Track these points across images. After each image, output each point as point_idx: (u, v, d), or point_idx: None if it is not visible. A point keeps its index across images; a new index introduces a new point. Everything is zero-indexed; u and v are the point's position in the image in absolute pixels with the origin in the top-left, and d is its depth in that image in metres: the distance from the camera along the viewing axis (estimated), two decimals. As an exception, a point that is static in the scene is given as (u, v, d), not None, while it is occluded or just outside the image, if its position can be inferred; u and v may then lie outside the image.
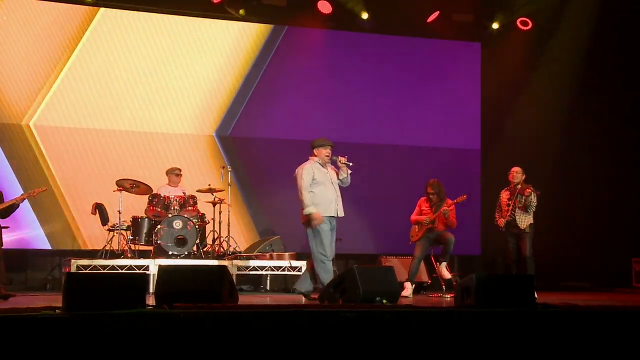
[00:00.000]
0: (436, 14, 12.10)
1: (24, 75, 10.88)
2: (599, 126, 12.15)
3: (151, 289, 7.50)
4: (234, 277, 9.58)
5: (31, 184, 10.36)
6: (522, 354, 5.90)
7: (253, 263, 10.01)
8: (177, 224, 9.75)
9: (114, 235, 9.96)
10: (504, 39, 12.61)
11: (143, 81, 11.39)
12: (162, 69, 11.51)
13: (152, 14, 11.53)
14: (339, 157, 8.45)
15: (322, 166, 8.46)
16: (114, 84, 11.26)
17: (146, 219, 10.05)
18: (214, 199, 10.32)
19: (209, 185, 10.42)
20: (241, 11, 11.58)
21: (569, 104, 12.27)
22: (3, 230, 8.72)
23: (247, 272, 10.01)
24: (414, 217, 9.75)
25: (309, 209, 8.24)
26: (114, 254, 9.81)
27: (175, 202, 10.00)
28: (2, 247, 8.56)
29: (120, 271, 9.10)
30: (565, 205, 12.02)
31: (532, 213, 9.34)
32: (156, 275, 6.18)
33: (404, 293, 9.39)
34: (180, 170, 10.55)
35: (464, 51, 12.88)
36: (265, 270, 10.16)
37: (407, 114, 12.48)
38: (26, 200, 10.15)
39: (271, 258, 10.12)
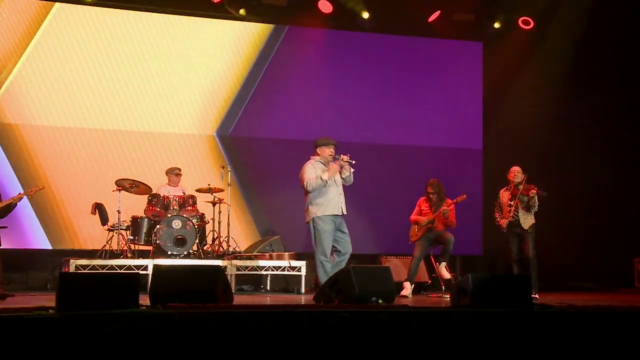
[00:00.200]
0: (437, 13, 12.07)
1: (21, 74, 10.87)
2: (601, 126, 12.11)
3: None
4: (233, 277, 9.64)
5: (31, 183, 10.35)
6: (519, 354, 5.87)
7: (252, 263, 9.99)
8: (177, 224, 9.75)
9: (113, 235, 9.95)
10: (506, 39, 12.57)
11: (143, 81, 11.39)
12: (163, 69, 11.51)
13: (152, 13, 11.52)
14: (342, 155, 8.44)
15: (325, 165, 8.45)
16: (114, 83, 11.26)
17: (146, 219, 10.05)
18: (214, 198, 10.31)
19: (209, 185, 10.41)
20: (241, 11, 11.58)
21: (570, 104, 12.23)
22: (1, 230, 8.73)
23: (246, 272, 9.99)
24: (413, 217, 9.73)
25: (322, 178, 8.27)
26: (113, 254, 9.81)
27: (174, 202, 9.99)
28: (0, 247, 8.54)
29: (118, 271, 9.09)
30: (568, 205, 11.97)
31: (533, 213, 9.30)
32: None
33: (403, 293, 9.39)
34: (179, 170, 10.55)
35: (466, 51, 12.84)
36: (265, 270, 10.15)
37: (408, 114, 12.44)
38: (27, 201, 10.26)
39: (271, 258, 10.10)
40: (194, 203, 10.17)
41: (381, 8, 12.01)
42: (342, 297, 6.55)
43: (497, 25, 12.46)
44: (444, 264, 9.55)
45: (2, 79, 10.80)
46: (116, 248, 9.90)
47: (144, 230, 9.99)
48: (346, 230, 8.50)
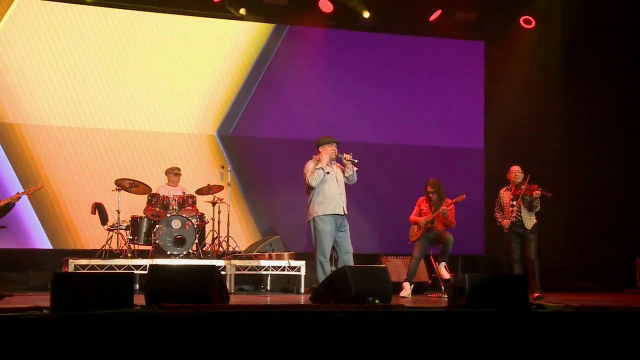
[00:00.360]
0: (438, 12, 12.03)
1: (22, 74, 10.88)
2: (603, 126, 12.05)
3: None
4: (232, 277, 9.63)
5: (31, 183, 10.35)
6: (516, 354, 5.85)
7: (252, 263, 9.98)
8: (176, 224, 9.74)
9: (112, 235, 9.95)
10: (507, 38, 12.53)
11: (144, 81, 11.39)
12: (164, 69, 11.50)
13: (153, 13, 11.52)
14: (344, 154, 8.40)
15: (328, 164, 8.41)
16: (115, 83, 11.26)
17: (145, 219, 10.05)
18: (214, 198, 10.30)
19: (208, 184, 10.40)
20: (241, 10, 11.57)
21: (572, 103, 12.19)
22: (0, 230, 8.75)
23: (245, 272, 9.98)
24: (413, 217, 9.71)
25: (318, 171, 8.24)
26: (112, 254, 9.81)
27: (174, 201, 9.99)
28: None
29: (117, 271, 9.08)
30: (570, 205, 11.90)
31: (535, 213, 9.26)
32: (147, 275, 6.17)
33: (402, 293, 9.38)
34: (179, 169, 10.55)
35: (468, 50, 12.80)
36: (264, 270, 10.13)
37: (410, 113, 12.42)
38: (27, 200, 10.28)
39: (270, 258, 10.09)
40: (194, 203, 10.16)
41: (382, 7, 11.98)
42: (338, 297, 6.52)
43: (499, 24, 12.42)
44: (443, 264, 9.53)
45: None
46: (115, 248, 9.89)
47: (144, 230, 10.00)
48: (347, 229, 8.44)
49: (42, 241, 10.83)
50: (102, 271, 9.10)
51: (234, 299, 8.71)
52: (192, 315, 5.42)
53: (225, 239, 10.33)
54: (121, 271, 8.95)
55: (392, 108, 12.34)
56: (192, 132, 11.56)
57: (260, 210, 11.75)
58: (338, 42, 12.23)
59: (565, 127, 12.25)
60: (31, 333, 4.96)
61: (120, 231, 10.03)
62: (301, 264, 10.01)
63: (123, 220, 10.04)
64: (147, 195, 10.11)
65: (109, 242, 9.92)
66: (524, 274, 8.60)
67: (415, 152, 12.36)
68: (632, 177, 11.93)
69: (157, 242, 9.69)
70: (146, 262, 9.41)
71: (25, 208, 10.58)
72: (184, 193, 10.25)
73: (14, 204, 8.66)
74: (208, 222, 10.38)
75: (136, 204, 10.44)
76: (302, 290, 9.93)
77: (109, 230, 10.03)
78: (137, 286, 9.23)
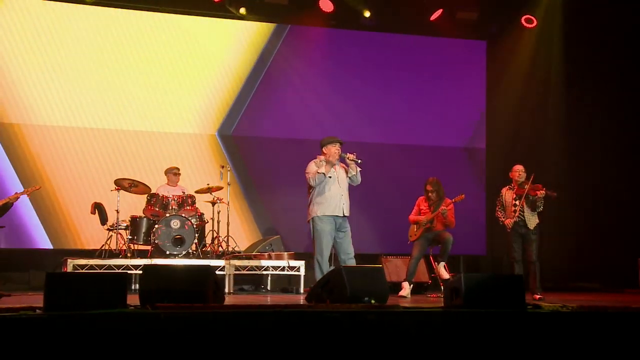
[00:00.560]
0: (439, 11, 12.00)
1: (21, 74, 10.89)
2: (604, 125, 12.02)
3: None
4: (231, 277, 9.62)
5: (32, 183, 10.37)
6: (512, 355, 5.83)
7: (251, 263, 9.97)
8: (175, 224, 9.74)
9: (111, 235, 9.96)
10: (509, 37, 12.50)
11: (145, 80, 11.39)
12: (164, 69, 11.50)
13: (154, 13, 11.51)
14: (347, 153, 8.35)
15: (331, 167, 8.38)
16: (115, 83, 11.26)
17: (145, 219, 10.05)
18: (213, 198, 10.30)
19: (208, 184, 10.40)
20: (242, 10, 11.56)
21: (574, 103, 12.15)
22: (1, 230, 8.77)
23: (245, 272, 9.97)
24: (412, 216, 9.69)
25: (319, 172, 8.21)
26: (112, 254, 9.82)
27: (173, 201, 9.99)
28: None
29: (112, 271, 9.08)
30: (572, 205, 11.88)
31: (537, 213, 9.22)
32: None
33: (401, 293, 9.36)
34: (178, 169, 10.55)
35: (469, 49, 12.77)
36: (264, 270, 10.12)
37: (411, 113, 12.40)
38: (28, 200, 10.30)
39: (270, 258, 10.07)
40: (193, 203, 10.16)
41: (383, 7, 11.97)
42: (334, 297, 6.50)
43: (500, 23, 12.40)
44: (442, 263, 9.50)
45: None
46: (115, 248, 9.89)
47: (143, 230, 9.99)
48: (347, 231, 8.39)
49: (43, 241, 10.84)
50: (101, 271, 9.10)
51: (234, 299, 8.75)
52: (186, 315, 5.41)
53: (225, 238, 10.32)
54: (115, 271, 8.96)
55: (393, 108, 12.32)
56: (193, 132, 11.56)
57: (261, 210, 11.74)
58: (339, 42, 12.21)
59: (567, 127, 12.21)
60: (24, 333, 4.95)
61: (120, 231, 10.03)
62: (300, 263, 9.99)
63: (122, 220, 10.04)
64: (146, 195, 10.11)
65: (108, 242, 9.91)
66: (521, 274, 8.54)
67: (417, 152, 12.34)
68: (633, 177, 11.89)
69: (156, 242, 9.69)
70: (145, 262, 9.41)
71: (25, 208, 10.59)
72: (183, 193, 10.25)
73: (12, 204, 8.67)
74: (208, 222, 10.37)
75: (136, 204, 10.43)
76: (302, 290, 9.90)
77: (109, 230, 10.03)
78: (137, 286, 9.21)
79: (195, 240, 9.90)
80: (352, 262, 8.27)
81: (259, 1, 11.70)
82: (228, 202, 10.46)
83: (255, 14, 11.78)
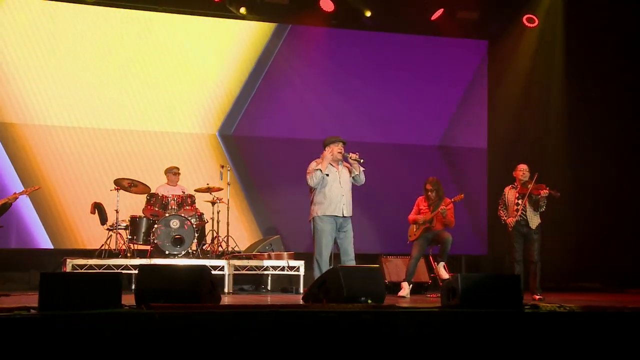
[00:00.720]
0: (440, 11, 11.97)
1: (21, 74, 10.90)
2: (606, 125, 11.96)
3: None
4: (231, 277, 9.62)
5: (32, 183, 10.39)
6: (507, 355, 5.80)
7: (251, 263, 9.96)
8: (174, 224, 9.74)
9: (111, 235, 9.96)
10: (510, 37, 12.47)
11: (145, 80, 11.39)
12: (165, 68, 11.49)
13: (154, 12, 11.51)
14: (350, 153, 8.33)
15: (331, 164, 8.36)
16: (116, 82, 11.26)
17: (144, 219, 10.05)
18: (213, 198, 10.29)
19: (207, 184, 10.40)
20: (242, 10, 11.54)
21: (576, 103, 12.12)
22: (2, 230, 8.79)
23: (244, 272, 9.96)
24: (411, 216, 9.68)
25: (316, 173, 8.20)
26: (111, 254, 9.82)
27: (173, 201, 9.99)
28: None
29: (107, 271, 9.08)
30: (575, 205, 11.84)
31: (539, 213, 9.19)
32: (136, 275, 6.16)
33: (401, 293, 9.36)
34: (178, 169, 10.56)
35: (471, 49, 12.74)
36: (263, 270, 10.11)
37: (412, 113, 12.37)
38: (28, 200, 10.31)
39: (269, 258, 10.06)
40: (193, 202, 10.15)
41: (383, 6, 11.94)
42: (330, 297, 6.48)
43: (501, 23, 12.36)
44: (442, 263, 9.48)
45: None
46: (114, 248, 9.89)
47: (143, 229, 9.99)
48: (348, 232, 8.35)
49: (43, 241, 10.85)
50: (97, 271, 9.11)
51: (233, 299, 8.76)
52: (181, 315, 5.39)
53: (225, 238, 10.32)
54: (109, 271, 8.96)
55: (394, 107, 12.30)
56: (194, 131, 11.56)
57: (262, 209, 11.74)
58: (340, 42, 12.19)
59: (569, 127, 12.17)
60: (17, 333, 4.94)
61: (120, 231, 10.03)
62: (300, 263, 9.98)
63: (122, 220, 10.04)
64: (146, 195, 10.11)
65: (107, 241, 9.91)
66: (518, 275, 8.51)
67: (417, 152, 12.32)
68: (635, 177, 11.85)
69: (155, 241, 9.69)
70: (144, 261, 9.41)
71: (26, 208, 10.60)
72: (183, 193, 10.25)
73: (10, 204, 8.68)
74: (207, 221, 10.37)
75: (136, 204, 10.43)
76: (301, 290, 9.88)
77: (109, 230, 10.03)
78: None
79: (195, 240, 9.90)
80: (351, 264, 8.25)
81: (259, 1, 11.68)
82: (228, 202, 10.44)
83: (256, 13, 11.76)
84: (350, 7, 11.88)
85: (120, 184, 10.09)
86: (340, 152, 8.33)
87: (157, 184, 10.54)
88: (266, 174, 11.75)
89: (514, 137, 12.30)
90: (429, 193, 9.53)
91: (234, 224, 10.84)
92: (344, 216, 8.29)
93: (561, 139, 12.19)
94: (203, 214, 10.31)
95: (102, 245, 9.93)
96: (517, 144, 12.14)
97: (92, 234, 10.77)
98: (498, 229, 10.37)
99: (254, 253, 10.27)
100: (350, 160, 8.32)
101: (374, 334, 5.63)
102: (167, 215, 9.80)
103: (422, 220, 9.44)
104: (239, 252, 10.42)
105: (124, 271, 8.95)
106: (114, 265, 9.41)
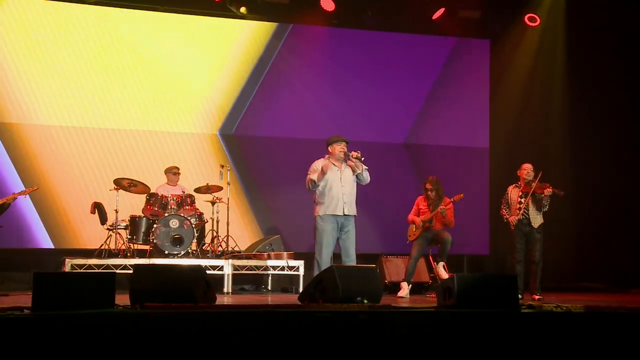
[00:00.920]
0: (441, 10, 11.93)
1: (21, 74, 10.91)
2: (609, 124, 11.93)
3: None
4: (230, 277, 9.61)
5: (33, 182, 10.41)
6: (504, 355, 5.78)
7: (250, 262, 9.95)
8: (174, 223, 9.73)
9: (110, 235, 9.96)
10: (512, 36, 12.43)
11: (146, 80, 11.37)
12: (166, 68, 11.47)
13: (155, 12, 11.48)
14: (352, 152, 8.32)
15: (333, 164, 8.37)
16: (117, 82, 11.24)
17: (144, 218, 10.04)
18: (213, 198, 10.29)
19: (207, 184, 10.40)
20: (242, 9, 11.52)
21: (578, 102, 12.08)
22: (2, 230, 8.80)
23: (244, 271, 9.95)
24: (411, 216, 9.66)
25: (314, 177, 8.25)
26: (111, 254, 9.82)
27: (172, 201, 9.98)
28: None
29: (112, 271, 9.06)
30: (578, 204, 11.80)
31: (542, 213, 9.15)
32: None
33: (400, 293, 9.35)
34: (178, 169, 10.56)
35: (473, 48, 12.68)
36: (262, 270, 10.10)
37: (414, 112, 12.34)
38: (29, 200, 10.32)
39: (269, 258, 10.04)
40: (192, 202, 10.14)
41: (384, 5, 11.91)
42: (326, 297, 6.48)
43: (503, 22, 12.32)
44: (441, 263, 9.46)
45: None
46: (114, 247, 9.89)
47: (142, 229, 9.98)
48: (349, 232, 8.33)
49: (44, 241, 10.85)
50: (91, 271, 9.10)
51: (232, 299, 8.76)
52: (175, 315, 5.39)
53: (225, 238, 10.31)
54: (104, 271, 8.96)
55: (396, 107, 12.26)
56: (194, 131, 11.55)
57: (263, 209, 11.72)
58: (341, 41, 12.15)
59: (571, 126, 12.14)
60: (10, 333, 4.94)
61: (120, 231, 10.03)
62: (299, 263, 9.96)
63: (122, 220, 10.04)
64: (145, 195, 10.10)
65: (107, 241, 9.91)
66: (514, 275, 8.47)
67: (420, 151, 12.29)
68: (637, 176, 11.79)
69: (155, 241, 9.68)
70: (143, 261, 9.41)
71: (27, 208, 10.61)
72: (183, 192, 10.24)
73: (9, 205, 8.68)
74: (207, 221, 10.37)
75: (137, 204, 10.43)
76: (301, 290, 9.86)
77: (108, 229, 10.03)
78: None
79: (195, 240, 9.89)
80: (352, 262, 8.25)
81: (260, 1, 11.65)
82: (228, 202, 10.44)
83: (256, 13, 11.74)
84: (351, 7, 11.85)
85: (120, 184, 10.09)
86: (343, 151, 8.32)
87: (158, 183, 10.54)
88: (267, 173, 11.73)
89: (515, 137, 12.27)
90: (429, 193, 9.52)
91: (234, 224, 10.83)
92: (344, 215, 8.27)
93: (563, 138, 12.16)
94: (203, 213, 10.30)
95: (102, 245, 9.93)
96: (519, 143, 12.11)
97: (92, 234, 10.75)
98: (500, 229, 10.35)
99: (253, 253, 10.26)
100: (352, 158, 8.30)
101: (369, 334, 5.62)
102: (166, 215, 9.79)
103: (422, 221, 9.42)
104: (239, 251, 10.41)
105: (123, 271, 8.92)
106: (113, 265, 9.40)
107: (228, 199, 10.48)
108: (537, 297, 8.84)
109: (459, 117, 12.46)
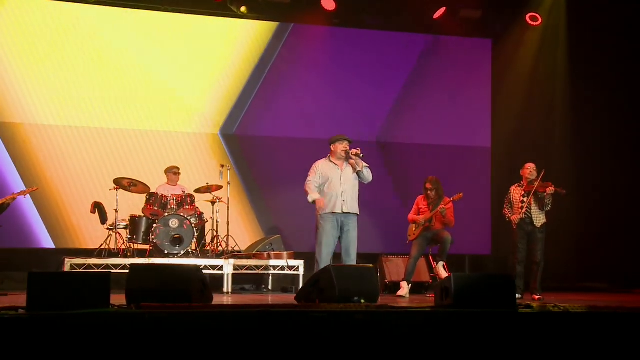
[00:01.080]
0: (442, 10, 11.91)
1: (22, 74, 10.92)
2: (611, 123, 11.90)
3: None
4: (230, 277, 9.60)
5: (33, 182, 10.43)
6: (501, 355, 5.75)
7: (250, 262, 9.93)
8: (174, 223, 9.72)
9: (110, 235, 9.96)
10: (513, 35, 12.41)
11: (147, 80, 11.39)
12: (167, 68, 11.49)
13: (155, 12, 11.50)
14: (351, 149, 8.32)
15: (334, 162, 8.37)
16: (118, 82, 11.26)
17: (144, 218, 10.04)
18: (213, 197, 10.28)
19: (207, 183, 10.39)
20: (242, 8, 11.51)
21: (580, 101, 12.04)
22: (3, 230, 8.81)
23: (244, 271, 9.94)
24: (411, 215, 9.64)
25: (309, 197, 8.28)
26: (111, 253, 9.81)
27: (172, 200, 9.97)
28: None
29: (116, 270, 9.07)
30: (580, 204, 11.76)
31: (545, 212, 9.12)
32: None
33: (400, 293, 9.34)
34: (178, 168, 10.56)
35: (474, 48, 12.67)
36: (263, 270, 10.09)
37: (416, 112, 12.32)
38: (30, 200, 10.34)
39: (269, 257, 10.02)
40: (192, 202, 10.14)
41: (386, 5, 11.89)
42: (323, 297, 6.45)
43: (504, 21, 12.30)
44: (441, 263, 9.44)
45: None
46: (114, 247, 9.89)
47: (142, 229, 9.97)
48: (349, 230, 8.31)
49: (45, 240, 10.88)
50: (91, 270, 9.09)
51: (232, 299, 8.74)
52: (171, 315, 5.37)
53: (225, 238, 10.30)
54: (100, 270, 8.97)
55: (397, 106, 12.25)
56: (195, 131, 11.55)
57: (264, 209, 11.72)
58: (341, 41, 12.14)
59: (573, 125, 12.11)
60: (4, 333, 4.93)
61: (120, 230, 10.03)
62: (299, 263, 9.94)
63: (122, 220, 10.04)
64: (145, 195, 10.10)
65: (107, 241, 9.91)
66: (512, 274, 8.45)
67: (421, 151, 12.26)
68: (640, 175, 11.78)
69: (154, 241, 9.67)
70: (143, 261, 9.40)
71: (28, 207, 10.63)
72: (183, 192, 10.23)
73: (8, 205, 8.68)
74: (207, 221, 10.36)
75: (137, 204, 10.43)
76: (300, 290, 9.86)
77: (108, 229, 10.03)
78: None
79: (195, 240, 9.88)
80: (352, 261, 8.24)
81: (261, 0, 11.65)
82: (228, 202, 10.43)
83: (258, 12, 11.74)
84: (352, 6, 11.84)
85: (120, 184, 10.09)
86: (344, 150, 8.32)
87: (158, 183, 10.54)
88: (268, 173, 11.73)
89: (517, 136, 12.25)
90: (429, 192, 9.50)
91: (235, 224, 10.83)
92: (343, 212, 8.25)
93: (564, 138, 12.13)
94: (203, 213, 10.30)
95: (101, 244, 9.93)
96: (521, 142, 12.08)
97: (93, 234, 10.77)
98: (502, 228, 10.32)
99: (253, 253, 10.25)
100: (351, 155, 8.29)
101: (366, 334, 5.59)
102: (166, 214, 9.79)
103: (422, 220, 9.40)
104: (239, 251, 10.40)
105: (122, 271, 8.91)
106: (112, 264, 9.38)
107: (228, 198, 10.47)
108: (537, 297, 8.82)
109: (461, 117, 12.43)
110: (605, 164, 11.87)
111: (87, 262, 9.38)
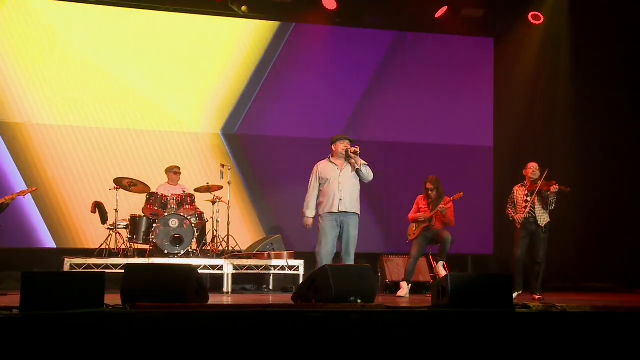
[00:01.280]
0: (444, 9, 11.88)
1: (23, 74, 10.92)
2: (614, 123, 11.85)
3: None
4: (230, 277, 9.58)
5: (34, 182, 10.44)
6: (498, 355, 5.72)
7: (250, 262, 9.92)
8: (174, 223, 9.72)
9: (110, 234, 9.96)
10: (516, 34, 12.37)
11: (148, 80, 11.39)
12: (168, 67, 11.48)
13: (156, 12, 11.49)
14: (350, 148, 8.31)
15: (333, 162, 8.38)
16: (118, 82, 11.25)
17: (144, 218, 10.03)
18: (213, 197, 10.27)
19: (207, 183, 10.38)
20: (243, 8, 11.50)
21: (582, 100, 12.00)
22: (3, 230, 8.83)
23: (245, 271, 9.93)
24: (411, 215, 9.61)
25: (307, 214, 8.44)
26: (111, 253, 9.81)
27: (172, 200, 9.96)
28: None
29: (116, 270, 9.06)
30: (583, 204, 11.71)
31: (549, 212, 9.08)
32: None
33: (400, 293, 9.32)
34: (179, 168, 10.55)
35: (477, 47, 12.63)
36: (263, 270, 10.07)
37: (418, 111, 12.29)
38: (31, 200, 10.34)
39: (269, 257, 10.00)
40: (192, 201, 10.13)
41: (387, 4, 11.86)
42: (319, 297, 6.44)
43: (506, 20, 12.27)
44: (441, 263, 9.41)
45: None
46: (114, 247, 9.89)
47: (143, 229, 9.97)
48: (348, 229, 8.29)
49: (46, 240, 10.88)
50: (87, 270, 9.10)
51: (232, 299, 8.73)
52: (166, 315, 5.36)
53: (226, 238, 10.29)
54: (93, 270, 8.97)
55: (400, 106, 12.23)
56: (197, 130, 11.54)
57: (265, 208, 11.70)
58: (343, 40, 12.12)
59: (575, 125, 12.05)
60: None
61: (120, 230, 10.02)
62: (299, 263, 9.93)
63: (122, 219, 10.04)
64: (146, 194, 10.10)
65: (107, 241, 9.91)
66: (509, 274, 8.39)
67: (424, 151, 12.24)
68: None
69: (154, 241, 9.67)
70: (143, 261, 9.40)
71: (29, 207, 10.64)
72: (183, 192, 10.23)
73: (7, 205, 8.69)
74: (208, 221, 10.35)
75: (138, 203, 10.42)
76: (299, 290, 9.83)
77: (109, 229, 10.03)
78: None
79: (195, 240, 9.87)
80: (351, 260, 8.23)
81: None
82: (228, 201, 10.42)
83: (259, 12, 11.73)
84: (353, 6, 11.81)
85: (120, 183, 10.09)
86: (345, 149, 8.34)
87: (159, 183, 10.53)
88: (269, 172, 11.71)
89: (520, 135, 12.20)
90: (429, 192, 9.47)
91: (237, 223, 10.82)
92: (340, 211, 8.25)
93: (568, 137, 12.07)
94: (203, 213, 10.29)
95: (102, 244, 9.92)
96: (523, 142, 12.05)
97: (93, 233, 10.78)
98: (505, 228, 10.29)
99: (254, 252, 10.23)
100: (349, 153, 8.30)
101: (362, 334, 5.57)
102: (166, 214, 9.78)
103: (422, 219, 9.38)
104: (239, 251, 10.39)
105: (122, 271, 8.86)
106: (112, 264, 9.37)
107: (229, 199, 10.46)
108: (537, 296, 8.79)
109: (463, 116, 12.40)
110: (607, 163, 11.82)
111: (87, 262, 9.38)
